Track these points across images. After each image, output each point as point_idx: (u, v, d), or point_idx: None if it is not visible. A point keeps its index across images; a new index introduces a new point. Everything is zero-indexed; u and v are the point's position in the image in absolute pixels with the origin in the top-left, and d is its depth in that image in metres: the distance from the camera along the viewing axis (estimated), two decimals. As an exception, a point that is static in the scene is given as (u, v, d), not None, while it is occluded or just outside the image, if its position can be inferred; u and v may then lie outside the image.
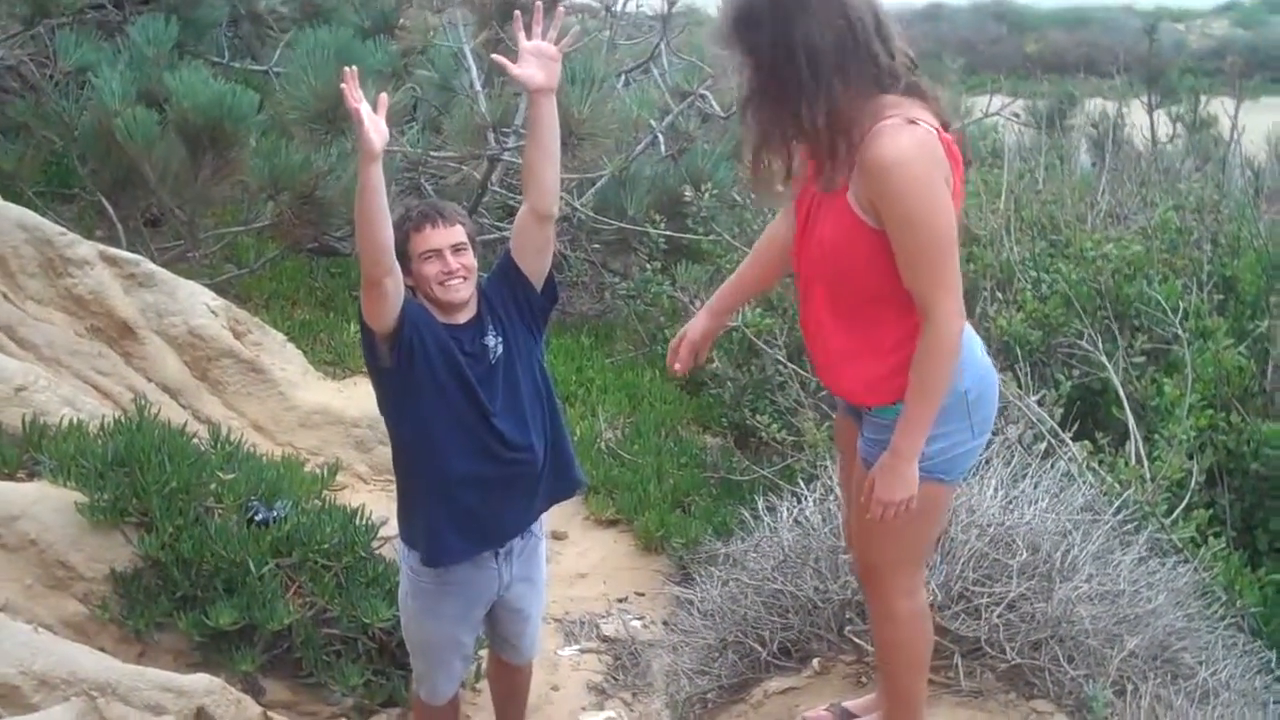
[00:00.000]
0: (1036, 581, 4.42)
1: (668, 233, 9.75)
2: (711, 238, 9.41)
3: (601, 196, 10.49)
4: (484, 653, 5.37)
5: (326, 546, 5.90)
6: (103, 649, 5.27)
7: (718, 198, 9.48)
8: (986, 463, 4.97)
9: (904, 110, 3.40)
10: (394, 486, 4.77)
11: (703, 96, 11.30)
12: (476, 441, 4.48)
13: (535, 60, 4.29)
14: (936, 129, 3.42)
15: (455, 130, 10.36)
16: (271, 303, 10.13)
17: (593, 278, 11.34)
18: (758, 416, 7.42)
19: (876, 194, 3.40)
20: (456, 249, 4.43)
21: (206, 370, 7.88)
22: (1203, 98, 14.71)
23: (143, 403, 6.62)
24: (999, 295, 7.18)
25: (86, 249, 7.59)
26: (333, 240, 10.89)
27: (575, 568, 7.46)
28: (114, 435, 6.00)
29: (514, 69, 4.28)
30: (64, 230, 7.67)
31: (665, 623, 6.78)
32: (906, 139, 3.36)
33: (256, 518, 5.92)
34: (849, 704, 4.32)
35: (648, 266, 9.75)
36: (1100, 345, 6.56)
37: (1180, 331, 6.53)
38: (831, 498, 5.06)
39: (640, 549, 7.68)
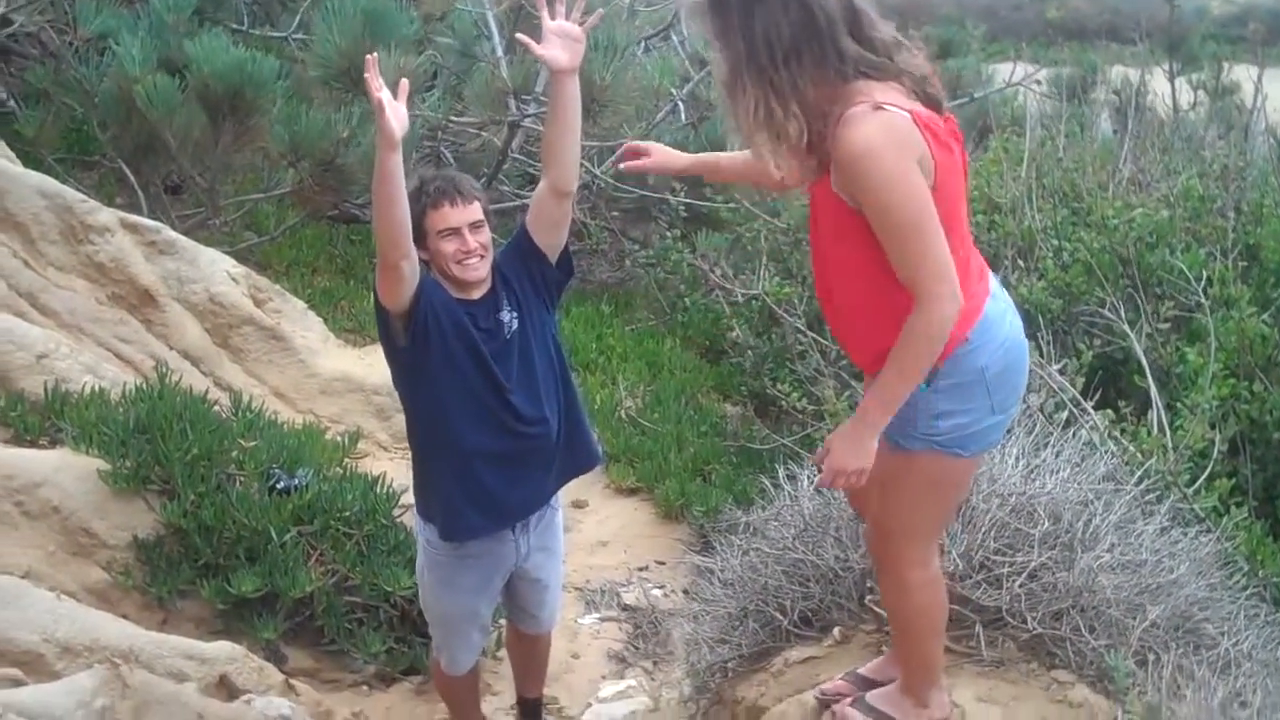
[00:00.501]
0: (1058, 551, 4.40)
1: (687, 200, 9.74)
2: (731, 205, 9.39)
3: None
4: (503, 622, 5.38)
5: (348, 514, 5.92)
6: (125, 616, 5.30)
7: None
8: (1008, 431, 4.95)
9: (873, 95, 3.34)
10: (413, 455, 4.78)
11: (723, 63, 11.24)
12: (492, 417, 4.48)
13: (559, 40, 4.27)
14: (911, 111, 3.34)
15: (476, 96, 10.33)
16: (292, 270, 10.14)
17: (612, 245, 11.33)
18: (778, 385, 7.41)
19: (850, 184, 3.38)
20: (474, 227, 4.42)
21: (227, 338, 7.89)
22: (1225, 65, 14.61)
23: (164, 370, 6.65)
24: (1020, 263, 7.15)
25: (107, 216, 7.60)
26: (353, 207, 10.87)
27: (596, 536, 7.47)
28: (135, 403, 6.02)
29: (538, 49, 4.26)
30: (85, 197, 7.68)
31: (686, 591, 6.79)
32: (872, 126, 3.30)
33: (278, 485, 5.94)
34: (864, 670, 4.32)
35: (667, 234, 9.75)
36: (1122, 314, 6.53)
37: (1203, 300, 6.48)
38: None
39: (660, 517, 7.70)
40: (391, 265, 4.22)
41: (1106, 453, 5.16)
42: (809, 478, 5.14)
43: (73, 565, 5.54)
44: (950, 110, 3.53)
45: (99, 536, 5.65)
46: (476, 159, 10.99)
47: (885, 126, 3.31)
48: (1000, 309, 3.66)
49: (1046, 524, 4.45)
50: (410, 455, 4.77)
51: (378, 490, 6.17)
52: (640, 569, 7.22)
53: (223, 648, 4.99)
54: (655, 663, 6.38)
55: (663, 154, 4.48)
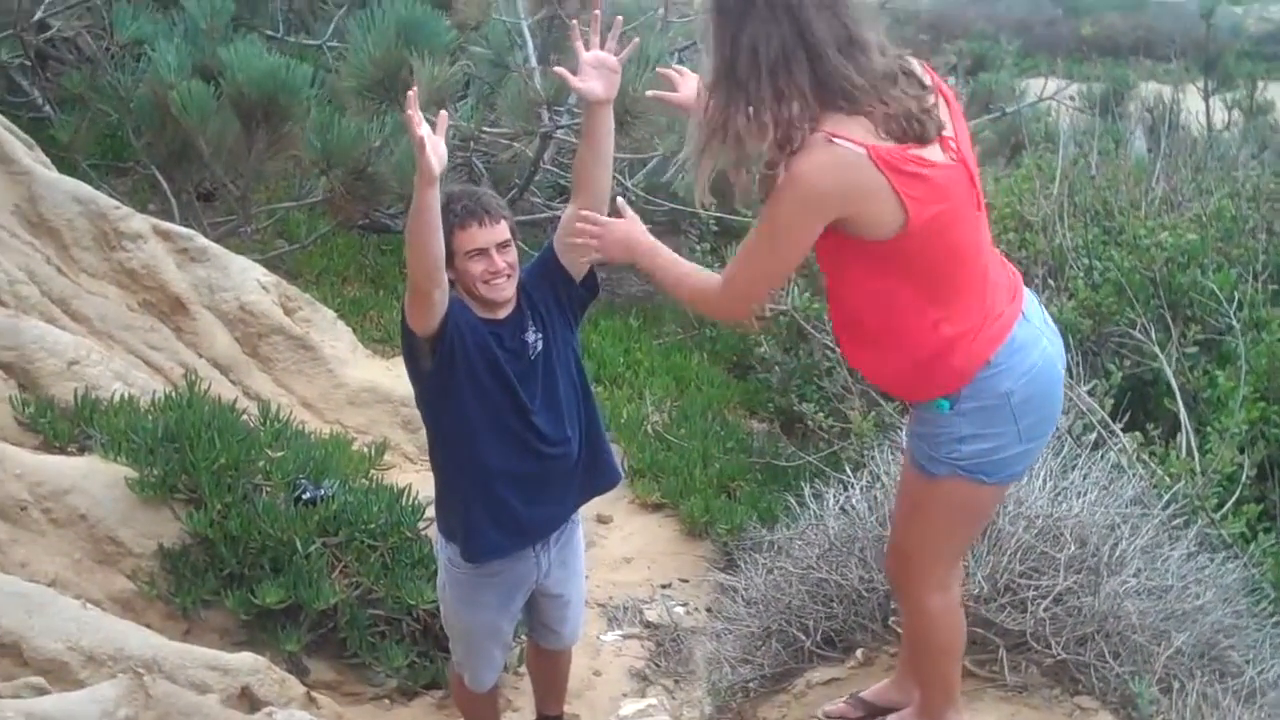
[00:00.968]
0: (1084, 575, 4.39)
1: (718, 214, 9.72)
2: (762, 220, 9.36)
3: (653, 177, 10.45)
4: (524, 638, 5.38)
5: (373, 526, 5.93)
6: (149, 625, 5.31)
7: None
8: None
9: (840, 128, 3.31)
10: (439, 471, 4.78)
11: (755, 77, 11.23)
12: (515, 438, 4.49)
13: (595, 72, 4.28)
14: (868, 148, 3.29)
15: (508, 107, 10.34)
16: (322, 279, 10.17)
17: (642, 259, 11.29)
18: (804, 403, 7.40)
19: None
20: (502, 247, 4.41)
21: (257, 346, 7.91)
22: (1260, 83, 14.55)
23: (193, 378, 6.67)
24: (1050, 282, 7.12)
25: (140, 222, 7.63)
26: (384, 217, 10.90)
27: (619, 552, 7.46)
28: (165, 411, 6.04)
29: (575, 81, 4.27)
30: (118, 203, 7.71)
31: (709, 609, 6.78)
32: (820, 158, 3.30)
33: (304, 496, 5.95)
34: (866, 694, 4.32)
35: (697, 248, 9.73)
36: (1153, 335, 6.50)
37: (1234, 322, 6.45)
38: (878, 486, 5.04)
39: (684, 534, 7.68)
40: (425, 294, 4.23)
41: (1134, 476, 5.15)
42: (834, 497, 5.13)
43: (98, 573, 5.56)
44: (951, 140, 3.43)
45: (125, 545, 5.67)
46: (508, 170, 11.00)
47: (832, 164, 3.31)
48: (1033, 334, 3.63)
49: (1072, 548, 4.44)
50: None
51: (403, 503, 6.17)
52: (663, 586, 7.20)
53: (245, 659, 5.00)
54: (677, 681, 6.36)
55: (690, 93, 4.14)
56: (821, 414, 7.16)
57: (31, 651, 4.56)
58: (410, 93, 4.04)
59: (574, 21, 4.34)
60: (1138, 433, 5.84)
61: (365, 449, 7.18)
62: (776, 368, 8.48)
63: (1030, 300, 3.74)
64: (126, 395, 6.22)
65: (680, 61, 11.83)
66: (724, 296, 3.65)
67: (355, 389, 8.05)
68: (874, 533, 4.82)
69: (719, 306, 3.78)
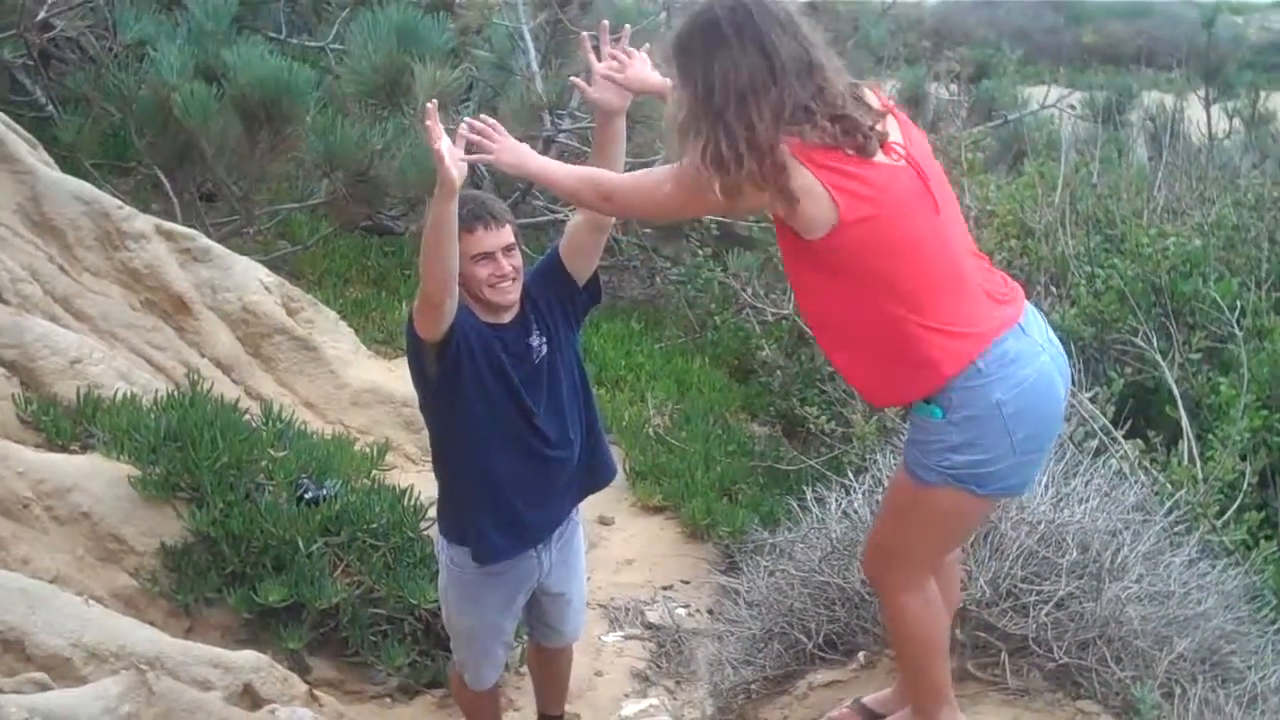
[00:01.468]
0: (1085, 580, 4.39)
1: (720, 219, 9.73)
2: (764, 225, 9.38)
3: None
4: (525, 638, 5.39)
5: (375, 526, 5.95)
6: (152, 623, 5.31)
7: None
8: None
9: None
10: (442, 469, 4.78)
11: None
12: (519, 442, 4.50)
13: (608, 82, 4.28)
14: (794, 145, 3.44)
15: (511, 111, 10.34)
16: (324, 280, 10.16)
17: (644, 263, 11.32)
18: (806, 407, 7.41)
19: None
20: (507, 250, 4.41)
21: (259, 346, 7.91)
22: (1262, 93, 14.54)
23: (196, 378, 6.68)
24: (1053, 289, 7.14)
25: (143, 223, 7.64)
26: (386, 219, 10.92)
27: (621, 554, 7.47)
28: (167, 410, 6.05)
29: (590, 92, 4.29)
30: (121, 203, 7.71)
31: (710, 611, 6.79)
32: None
33: (306, 496, 5.96)
34: (867, 700, 4.32)
35: (699, 253, 9.74)
36: (1154, 343, 6.52)
37: (1236, 330, 6.47)
38: (880, 490, 5.04)
39: (686, 536, 7.69)
40: (437, 304, 4.23)
41: (1136, 482, 5.15)
42: (836, 501, 5.13)
43: (101, 571, 5.57)
44: (898, 145, 3.55)
45: (128, 543, 5.68)
46: (511, 174, 10.99)
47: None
48: (1030, 348, 3.65)
49: (1075, 553, 4.44)
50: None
51: (405, 503, 6.19)
52: (665, 588, 7.21)
53: (248, 657, 5.00)
54: (678, 682, 6.37)
55: (641, 71, 4.27)
56: (823, 418, 7.17)
57: (34, 648, 4.56)
58: (430, 104, 4.05)
59: (584, 34, 4.33)
60: (1139, 440, 5.85)
61: (367, 449, 7.18)
62: (778, 371, 8.50)
63: (1032, 315, 3.76)
64: (129, 394, 6.23)
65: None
66: (598, 194, 3.89)
67: (357, 389, 8.05)
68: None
69: (590, 199, 3.97)
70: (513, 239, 4.45)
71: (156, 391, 6.36)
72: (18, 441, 5.85)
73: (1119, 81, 17.42)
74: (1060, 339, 6.21)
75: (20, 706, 3.70)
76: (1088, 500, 4.72)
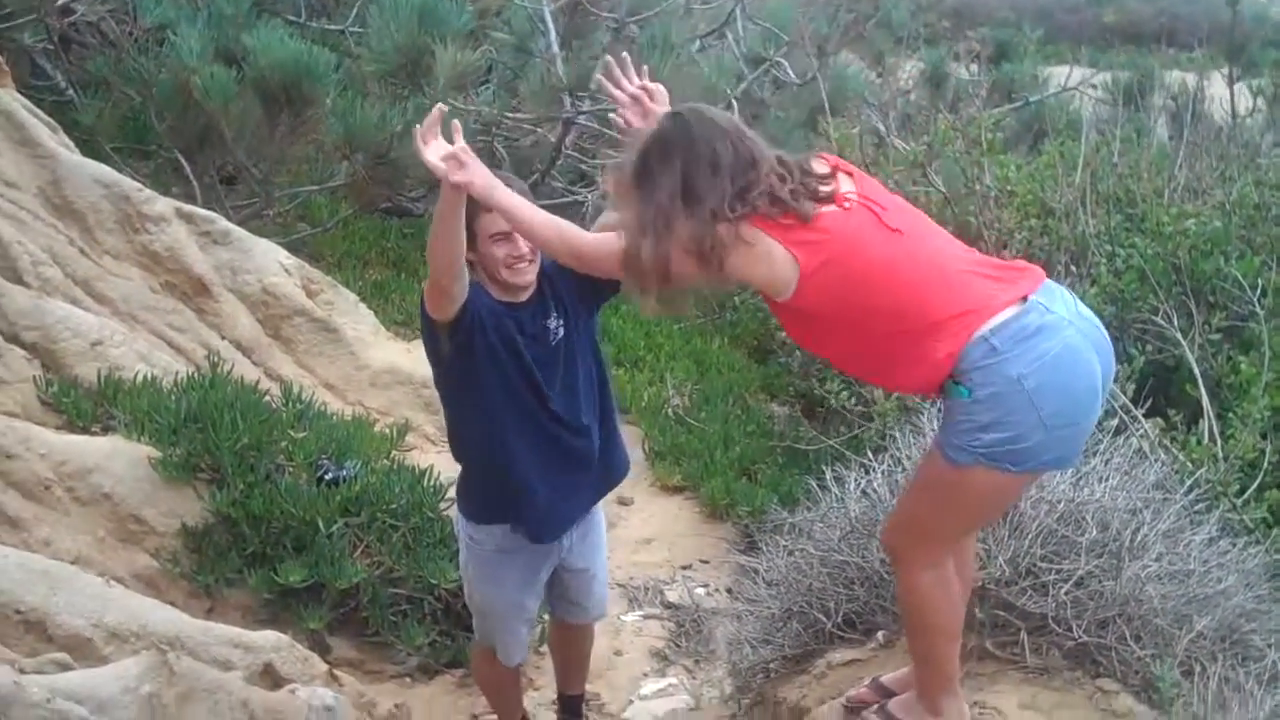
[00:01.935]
0: (1105, 559, 4.38)
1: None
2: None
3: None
4: (547, 617, 5.40)
5: (395, 507, 5.96)
6: (173, 603, 5.32)
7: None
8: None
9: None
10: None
11: (777, 64, 11.24)
12: (534, 423, 4.50)
13: (634, 107, 4.27)
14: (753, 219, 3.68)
15: (530, 92, 10.36)
16: (344, 262, 10.18)
17: (664, 243, 11.28)
18: (826, 385, 7.39)
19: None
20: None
21: (279, 328, 7.94)
22: (1284, 71, 14.48)
23: (216, 359, 6.70)
24: (1073, 269, 7.11)
25: (163, 205, 7.66)
26: (405, 201, 10.92)
27: (640, 533, 7.47)
28: (187, 391, 6.07)
29: (631, 118, 4.28)
30: (141, 187, 7.74)
31: (729, 591, 6.79)
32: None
33: (326, 476, 5.98)
34: (885, 679, 4.32)
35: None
36: (1175, 321, 6.50)
37: (1257, 309, 6.45)
38: (900, 470, 5.04)
39: (705, 516, 7.70)
40: (443, 288, 4.23)
41: (1156, 461, 5.13)
42: (855, 480, 5.13)
43: (122, 552, 5.59)
44: (850, 193, 3.78)
45: (148, 524, 5.70)
46: (530, 155, 11.01)
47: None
48: (1053, 323, 3.66)
49: (1094, 532, 4.43)
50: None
51: (425, 483, 6.19)
52: (684, 567, 7.22)
53: (268, 637, 5.01)
54: (697, 661, 6.38)
55: (664, 99, 4.41)
56: (844, 393, 7.15)
57: (56, 628, 4.58)
58: (436, 110, 4.04)
59: (599, 78, 4.35)
60: (1160, 418, 5.83)
61: (387, 430, 7.20)
62: (797, 352, 8.47)
63: (1058, 292, 3.78)
64: (149, 376, 6.25)
65: (702, 49, 11.84)
66: (569, 250, 4.00)
67: (377, 371, 8.07)
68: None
69: (559, 250, 4.03)
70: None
71: (177, 373, 6.38)
72: (39, 423, 5.87)
73: (1140, 61, 17.33)
74: (1099, 325, 6.25)
75: (42, 687, 3.70)
76: (1108, 479, 4.71)
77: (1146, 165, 8.47)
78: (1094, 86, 14.06)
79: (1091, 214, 7.52)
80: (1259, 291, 6.53)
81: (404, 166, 9.88)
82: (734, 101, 10.74)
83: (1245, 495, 5.44)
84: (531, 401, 4.48)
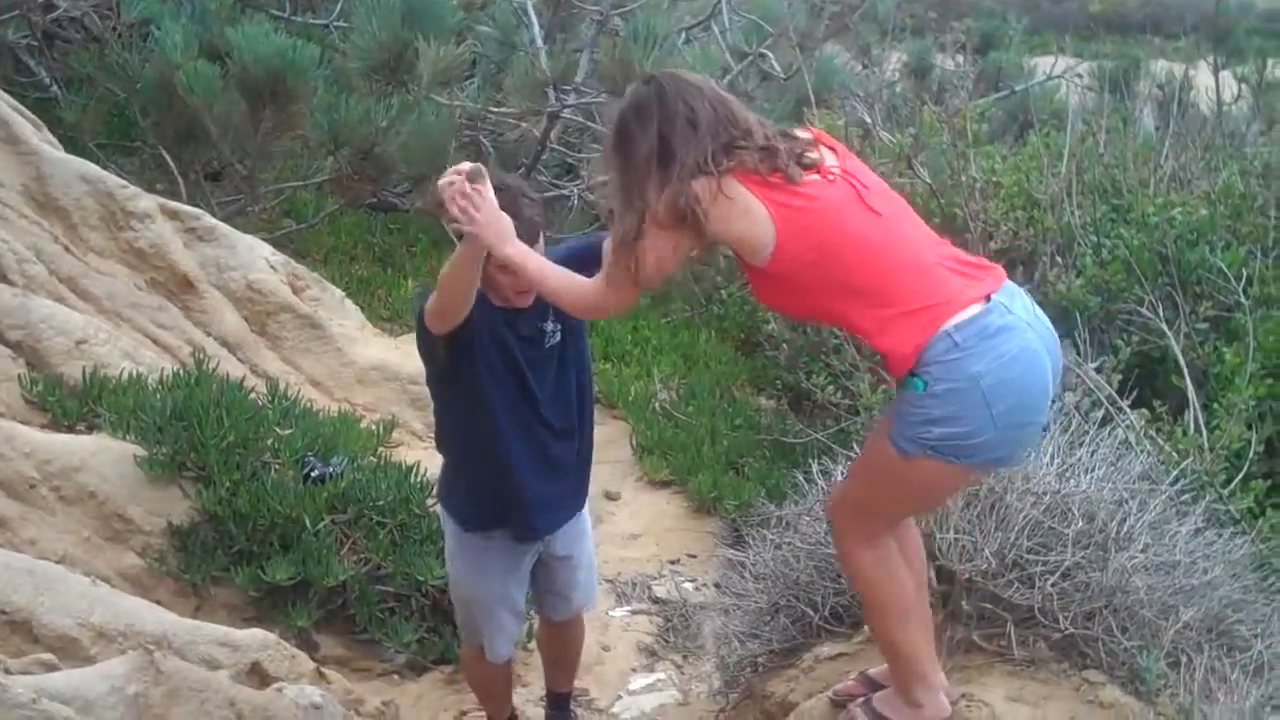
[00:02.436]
0: (1091, 551, 4.38)
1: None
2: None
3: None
4: (535, 615, 5.39)
5: (381, 503, 5.95)
6: (159, 602, 5.31)
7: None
8: (1044, 430, 4.93)
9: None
10: (447, 446, 4.78)
11: (762, 55, 11.24)
12: (523, 428, 4.50)
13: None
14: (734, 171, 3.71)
15: (515, 86, 10.34)
16: (330, 258, 10.17)
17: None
18: (813, 379, 7.39)
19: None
20: None
21: (265, 325, 7.93)
22: (1270, 60, 14.46)
23: (201, 357, 6.69)
24: (1059, 260, 7.12)
25: (147, 202, 7.64)
26: (391, 196, 10.91)
27: (628, 528, 7.47)
28: (173, 389, 6.05)
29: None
30: (125, 183, 7.72)
31: (717, 585, 6.79)
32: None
33: (313, 473, 5.97)
34: (873, 672, 4.33)
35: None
36: (1160, 312, 6.50)
37: (1243, 299, 6.46)
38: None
39: (692, 510, 7.70)
40: (450, 320, 4.23)
41: (1142, 452, 5.14)
42: (842, 473, 5.13)
43: (108, 551, 5.58)
44: (834, 168, 3.81)
45: (134, 522, 5.68)
46: (515, 149, 11.00)
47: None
48: (1014, 324, 3.72)
49: (1080, 523, 4.44)
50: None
51: (411, 480, 6.19)
52: (672, 562, 7.22)
53: (255, 635, 5.00)
54: (685, 656, 6.38)
55: None
56: (830, 388, 7.16)
57: (41, 628, 4.56)
58: (464, 171, 3.99)
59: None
60: (1145, 409, 5.84)
61: (373, 426, 7.19)
62: (784, 345, 8.47)
63: (1018, 294, 3.85)
64: (135, 373, 6.23)
65: (687, 41, 11.83)
66: (585, 305, 4.04)
67: (363, 367, 8.07)
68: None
69: (573, 304, 4.06)
70: (542, 244, 4.36)
71: (162, 371, 6.36)
72: (24, 422, 5.85)
73: (1126, 51, 17.34)
74: (1066, 309, 6.25)
75: (28, 687, 3.70)
76: (1093, 470, 4.72)
77: (1132, 155, 8.48)
78: (1080, 76, 14.06)
79: (1077, 205, 7.53)
80: (1244, 281, 6.54)
81: (389, 161, 9.88)
82: (719, 94, 10.71)
83: (1231, 486, 5.45)
84: (522, 406, 4.48)
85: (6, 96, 7.63)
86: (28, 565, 4.75)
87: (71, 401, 6.10)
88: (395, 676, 5.92)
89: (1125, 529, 4.48)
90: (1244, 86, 13.59)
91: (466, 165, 4.00)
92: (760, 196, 3.68)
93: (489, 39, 11.32)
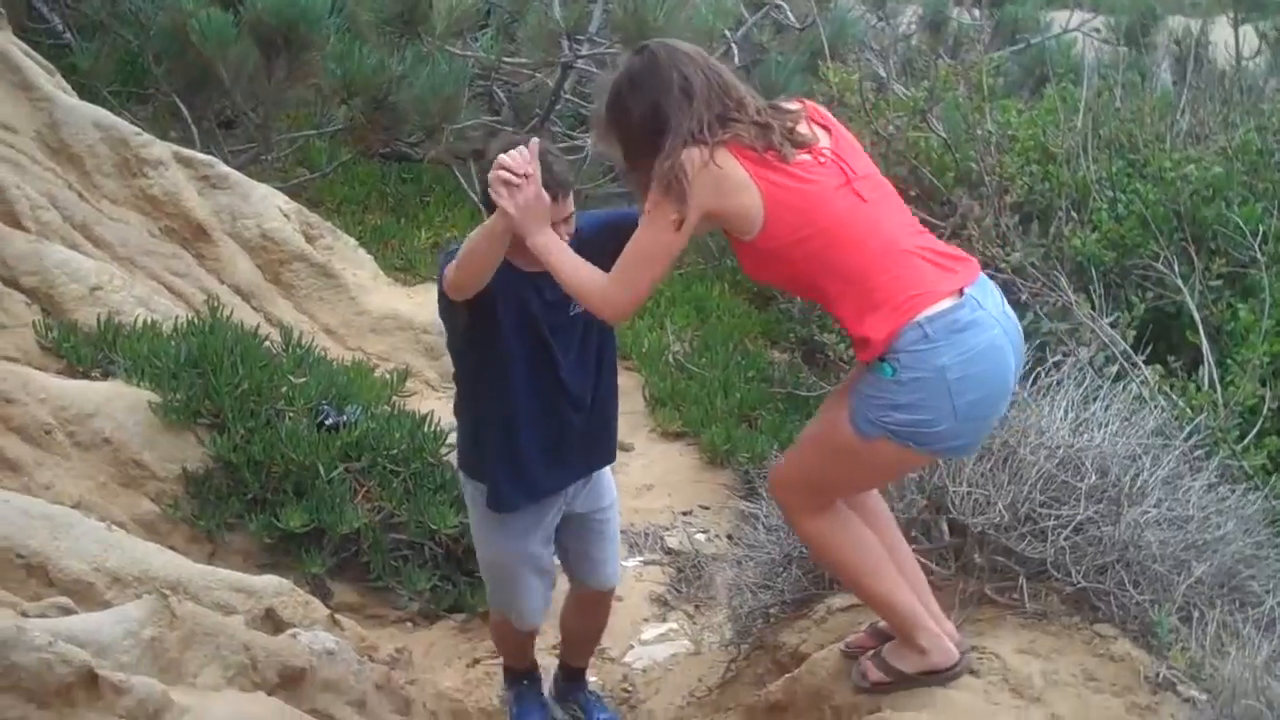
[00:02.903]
0: (1104, 505, 4.39)
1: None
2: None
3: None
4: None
5: (395, 452, 5.97)
6: (174, 548, 5.33)
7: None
8: (1058, 384, 4.94)
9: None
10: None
11: (778, 7, 11.18)
12: (543, 392, 4.45)
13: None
14: (728, 145, 3.75)
15: (529, 37, 10.31)
16: (343, 207, 10.15)
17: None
18: (825, 334, 7.38)
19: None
20: (566, 220, 4.23)
21: (278, 273, 7.93)
22: (1289, 15, 14.35)
23: (215, 304, 6.69)
24: (1074, 214, 7.08)
25: (161, 149, 7.64)
26: (405, 146, 10.87)
27: (641, 479, 7.47)
28: (187, 336, 6.07)
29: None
30: (139, 130, 7.72)
31: (729, 536, 6.80)
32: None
33: (327, 422, 5.98)
34: (883, 624, 4.34)
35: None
36: (1176, 268, 6.48)
37: (1259, 255, 6.43)
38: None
39: (705, 462, 7.70)
40: (468, 291, 4.18)
41: (1156, 407, 5.14)
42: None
43: (123, 496, 5.60)
44: (825, 149, 3.87)
45: (149, 468, 5.70)
46: (529, 100, 10.96)
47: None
48: (984, 320, 3.81)
49: (1093, 478, 4.44)
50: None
51: (425, 428, 6.20)
52: (684, 513, 7.22)
53: (270, 581, 5.01)
54: (697, 607, 6.39)
55: None
56: (842, 345, 7.14)
57: (58, 572, 4.58)
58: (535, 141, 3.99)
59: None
60: (1159, 365, 5.83)
61: (387, 375, 7.20)
62: (797, 298, 8.45)
63: (989, 289, 3.94)
64: (149, 320, 6.24)
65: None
66: (603, 294, 3.96)
67: (377, 316, 8.07)
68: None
69: (595, 305, 4.01)
70: (573, 206, 4.29)
71: (176, 318, 6.38)
72: (39, 368, 5.87)
73: (1143, 3, 17.18)
74: (1081, 264, 6.23)
75: (44, 631, 3.71)
76: (1107, 425, 4.72)
77: (1149, 110, 8.43)
78: (1097, 30, 13.97)
79: (1093, 159, 7.49)
80: (1260, 238, 6.51)
81: (403, 111, 9.85)
82: (733, 45, 10.70)
83: (1245, 442, 5.45)
84: (544, 371, 4.43)
85: (20, 43, 7.61)
86: (44, 510, 4.77)
87: (86, 348, 6.11)
88: (408, 624, 5.95)
89: (1138, 484, 4.49)
90: (1263, 43, 13.48)
91: (534, 141, 3.98)
92: (752, 173, 3.73)
93: (503, -11, 11.28)
